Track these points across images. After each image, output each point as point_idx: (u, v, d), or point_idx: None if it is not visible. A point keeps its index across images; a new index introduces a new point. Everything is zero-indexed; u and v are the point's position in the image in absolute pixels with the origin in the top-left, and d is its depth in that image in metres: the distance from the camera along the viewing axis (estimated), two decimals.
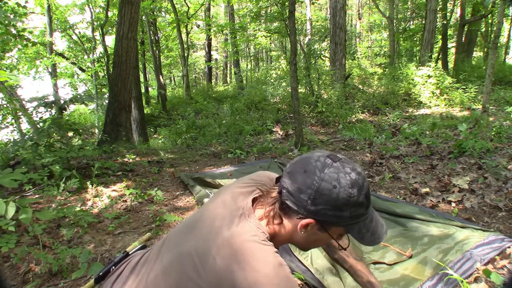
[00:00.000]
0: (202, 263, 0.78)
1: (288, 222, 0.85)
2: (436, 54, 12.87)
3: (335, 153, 0.85)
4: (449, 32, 14.02)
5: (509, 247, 1.65)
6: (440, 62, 11.62)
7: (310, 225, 0.81)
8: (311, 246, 0.96)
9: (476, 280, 1.47)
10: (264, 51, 23.94)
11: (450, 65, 12.70)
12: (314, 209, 0.78)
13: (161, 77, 14.08)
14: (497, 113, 6.76)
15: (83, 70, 14.19)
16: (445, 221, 1.99)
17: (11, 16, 5.59)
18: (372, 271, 1.57)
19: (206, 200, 2.64)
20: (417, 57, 12.75)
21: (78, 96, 4.44)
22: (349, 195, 0.77)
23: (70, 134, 4.00)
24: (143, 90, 13.22)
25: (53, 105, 4.01)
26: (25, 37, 6.09)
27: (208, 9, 17.54)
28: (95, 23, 12.28)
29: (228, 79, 24.00)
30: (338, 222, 0.81)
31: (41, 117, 3.94)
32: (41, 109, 4.00)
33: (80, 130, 4.05)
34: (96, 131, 7.84)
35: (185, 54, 14.16)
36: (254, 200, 0.89)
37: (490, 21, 13.83)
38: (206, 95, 13.50)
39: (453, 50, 14.51)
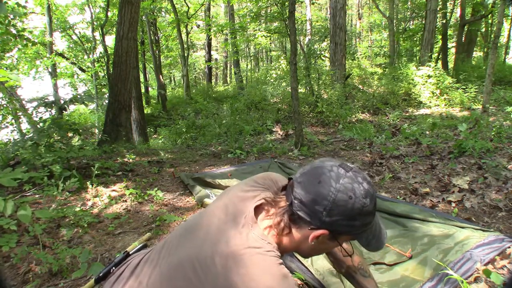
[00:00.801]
0: (203, 269, 0.78)
1: (297, 233, 0.83)
2: (436, 54, 12.87)
3: (345, 163, 0.84)
4: (449, 32, 14.01)
5: (509, 247, 1.65)
6: (440, 62, 11.62)
7: (322, 235, 0.81)
8: (315, 254, 0.95)
9: (476, 280, 1.47)
10: (264, 51, 23.93)
11: (450, 65, 12.70)
12: (329, 220, 0.78)
13: (161, 77, 14.08)
14: (497, 113, 6.76)
15: (83, 70, 14.19)
16: (445, 221, 2.00)
17: (11, 16, 5.59)
18: (372, 272, 1.57)
19: (206, 200, 2.64)
20: (417, 57, 12.74)
21: (78, 96, 4.43)
22: (363, 205, 0.78)
23: (70, 134, 3.99)
24: (143, 90, 13.22)
25: (53, 105, 4.00)
26: (25, 37, 6.09)
27: (208, 9, 17.54)
28: (95, 23, 12.28)
29: (228, 79, 23.99)
30: (349, 231, 0.82)
31: (41, 117, 3.93)
32: (41, 109, 3.98)
33: (80, 130, 4.04)
34: (96, 131, 7.83)
35: (185, 54, 14.16)
36: (257, 207, 0.87)
37: (490, 21, 13.84)
38: (206, 95, 13.49)
39: (453, 50, 14.51)
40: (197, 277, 0.78)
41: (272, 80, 11.06)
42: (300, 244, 0.85)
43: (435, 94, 8.70)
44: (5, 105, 6.24)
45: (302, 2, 12.64)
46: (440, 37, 12.59)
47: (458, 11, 14.07)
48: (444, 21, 12.07)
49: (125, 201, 2.81)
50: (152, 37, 13.58)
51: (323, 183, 0.78)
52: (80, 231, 2.20)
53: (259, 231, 0.81)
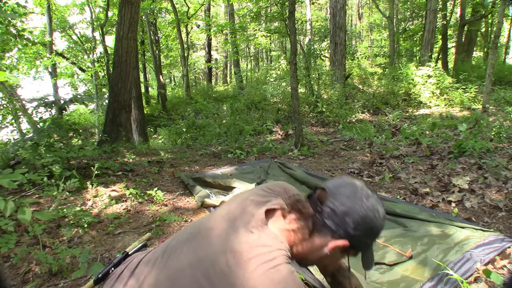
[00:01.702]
0: (215, 271, 0.78)
1: (318, 239, 0.86)
2: (436, 54, 12.86)
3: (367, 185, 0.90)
4: (449, 32, 14.00)
5: (509, 247, 1.65)
6: (440, 62, 11.61)
7: (342, 246, 0.84)
8: (320, 264, 0.99)
9: (476, 280, 1.47)
10: (264, 51, 23.91)
11: (450, 65, 12.70)
12: (354, 233, 0.83)
13: (161, 77, 14.09)
14: (497, 113, 6.76)
15: (83, 70, 14.18)
16: (445, 221, 2.00)
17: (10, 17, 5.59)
18: (372, 272, 1.57)
19: (206, 200, 2.65)
20: (417, 57, 12.73)
21: (78, 96, 4.42)
22: (381, 226, 0.85)
23: (70, 134, 3.99)
24: (143, 90, 13.22)
25: (53, 105, 3.99)
26: (25, 37, 6.09)
27: (208, 9, 17.53)
28: (95, 23, 12.28)
29: (228, 79, 23.98)
30: (361, 247, 0.88)
31: (41, 117, 3.93)
32: (41, 109, 3.97)
33: (80, 130, 4.04)
34: (96, 131, 7.83)
35: (185, 54, 14.15)
36: (268, 211, 0.89)
37: (490, 21, 13.83)
38: (206, 95, 13.49)
39: (453, 50, 14.51)
40: (209, 280, 0.78)
41: (272, 80, 11.06)
42: (314, 251, 0.88)
43: (435, 94, 8.69)
44: (5, 105, 6.24)
45: (302, 2, 12.66)
46: (440, 37, 12.58)
47: (458, 11, 14.07)
48: (444, 21, 12.07)
49: (125, 201, 2.81)
50: (152, 37, 13.58)
51: (357, 198, 0.84)
52: (80, 231, 2.20)
53: (270, 232, 0.84)
